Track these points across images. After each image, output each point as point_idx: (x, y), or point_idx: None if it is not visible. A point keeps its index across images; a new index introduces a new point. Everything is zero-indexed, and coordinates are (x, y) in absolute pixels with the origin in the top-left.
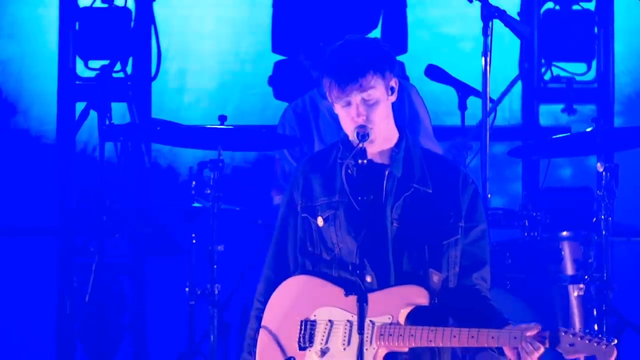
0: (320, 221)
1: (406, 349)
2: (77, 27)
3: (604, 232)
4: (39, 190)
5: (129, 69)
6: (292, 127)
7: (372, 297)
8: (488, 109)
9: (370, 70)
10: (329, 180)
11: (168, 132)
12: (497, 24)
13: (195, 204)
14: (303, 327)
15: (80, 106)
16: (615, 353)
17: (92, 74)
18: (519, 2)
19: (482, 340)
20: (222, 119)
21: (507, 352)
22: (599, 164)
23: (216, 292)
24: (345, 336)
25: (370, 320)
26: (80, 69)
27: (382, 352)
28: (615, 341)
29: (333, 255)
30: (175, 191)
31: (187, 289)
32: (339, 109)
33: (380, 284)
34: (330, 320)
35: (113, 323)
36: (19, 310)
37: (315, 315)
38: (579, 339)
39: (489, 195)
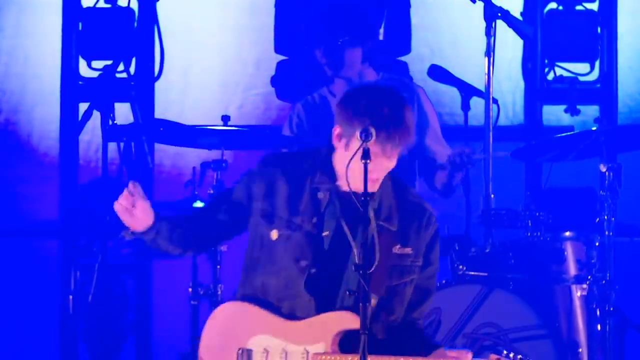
0: (274, 235)
1: None
2: (80, 27)
3: (607, 233)
4: (42, 191)
5: (132, 69)
6: (300, 119)
7: (308, 322)
8: (491, 110)
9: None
10: (295, 195)
11: (171, 133)
12: (500, 24)
13: (198, 204)
14: (240, 356)
15: (83, 106)
16: None
17: (95, 74)
18: (522, 2)
19: None
20: (225, 119)
21: None
22: (601, 164)
23: (219, 292)
24: None
25: (305, 349)
26: (83, 69)
27: None
28: None
29: (277, 270)
30: (179, 191)
31: (190, 289)
32: (357, 154)
33: (321, 310)
34: (265, 349)
35: (116, 323)
36: (22, 311)
37: (251, 344)
38: None
39: (492, 196)
